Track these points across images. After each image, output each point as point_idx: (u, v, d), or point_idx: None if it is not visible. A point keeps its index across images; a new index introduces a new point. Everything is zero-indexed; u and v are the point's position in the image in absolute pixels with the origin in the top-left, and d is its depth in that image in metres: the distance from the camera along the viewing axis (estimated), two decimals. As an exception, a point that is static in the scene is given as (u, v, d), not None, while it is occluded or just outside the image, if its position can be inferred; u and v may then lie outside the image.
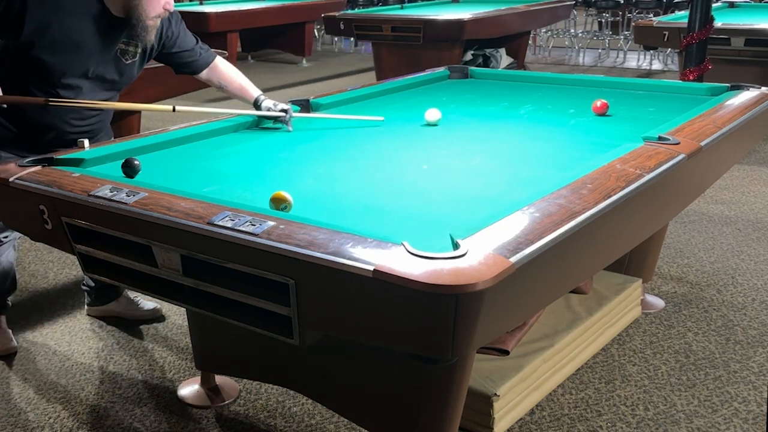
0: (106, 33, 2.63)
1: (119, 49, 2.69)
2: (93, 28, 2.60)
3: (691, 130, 2.54)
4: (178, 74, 2.97)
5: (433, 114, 2.87)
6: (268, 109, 2.80)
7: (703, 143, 2.42)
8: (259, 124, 2.87)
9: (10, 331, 3.05)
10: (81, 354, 3.00)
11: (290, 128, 2.79)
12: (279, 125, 2.82)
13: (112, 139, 2.83)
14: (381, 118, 2.90)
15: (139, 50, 2.73)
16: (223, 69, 2.92)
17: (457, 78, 3.86)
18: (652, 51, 9.72)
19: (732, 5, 7.67)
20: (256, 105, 2.85)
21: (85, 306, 3.30)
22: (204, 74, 2.91)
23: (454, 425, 1.98)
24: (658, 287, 3.48)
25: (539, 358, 2.49)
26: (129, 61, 2.74)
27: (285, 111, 2.79)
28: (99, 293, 3.21)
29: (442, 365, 1.85)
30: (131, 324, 3.20)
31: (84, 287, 3.25)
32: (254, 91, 2.88)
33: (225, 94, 3.00)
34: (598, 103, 2.97)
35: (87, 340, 3.10)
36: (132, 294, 3.25)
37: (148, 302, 3.25)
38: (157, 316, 3.24)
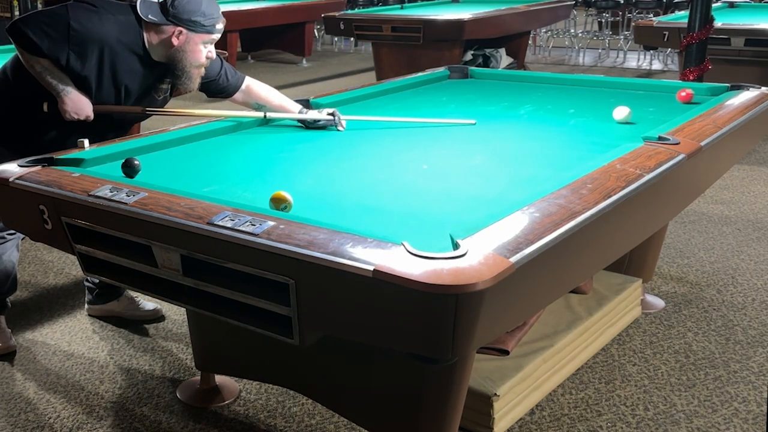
0: (145, 75, 2.69)
1: (153, 87, 2.75)
2: (135, 71, 2.66)
3: (691, 130, 2.54)
4: (212, 98, 2.99)
5: (621, 112, 2.78)
6: (315, 121, 2.84)
7: (703, 143, 2.42)
8: (265, 123, 2.88)
9: (10, 330, 3.05)
10: (81, 354, 3.00)
11: (341, 128, 2.83)
12: (315, 128, 2.86)
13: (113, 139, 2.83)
14: (473, 122, 2.89)
15: (169, 86, 2.78)
16: (258, 90, 2.92)
17: (457, 78, 3.86)
18: (652, 51, 9.71)
19: (732, 5, 7.67)
20: (301, 119, 2.87)
21: (86, 305, 3.30)
22: (239, 97, 2.92)
23: (454, 425, 1.98)
24: (658, 287, 3.48)
25: (539, 358, 2.49)
26: (160, 97, 2.80)
27: (332, 114, 2.83)
28: (100, 292, 3.21)
29: (442, 365, 1.85)
30: (131, 324, 3.20)
31: (87, 284, 3.24)
32: (294, 106, 2.90)
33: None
34: (683, 93, 2.90)
35: (87, 340, 3.10)
36: (132, 294, 3.25)
37: (148, 302, 3.25)
38: (157, 317, 3.24)
